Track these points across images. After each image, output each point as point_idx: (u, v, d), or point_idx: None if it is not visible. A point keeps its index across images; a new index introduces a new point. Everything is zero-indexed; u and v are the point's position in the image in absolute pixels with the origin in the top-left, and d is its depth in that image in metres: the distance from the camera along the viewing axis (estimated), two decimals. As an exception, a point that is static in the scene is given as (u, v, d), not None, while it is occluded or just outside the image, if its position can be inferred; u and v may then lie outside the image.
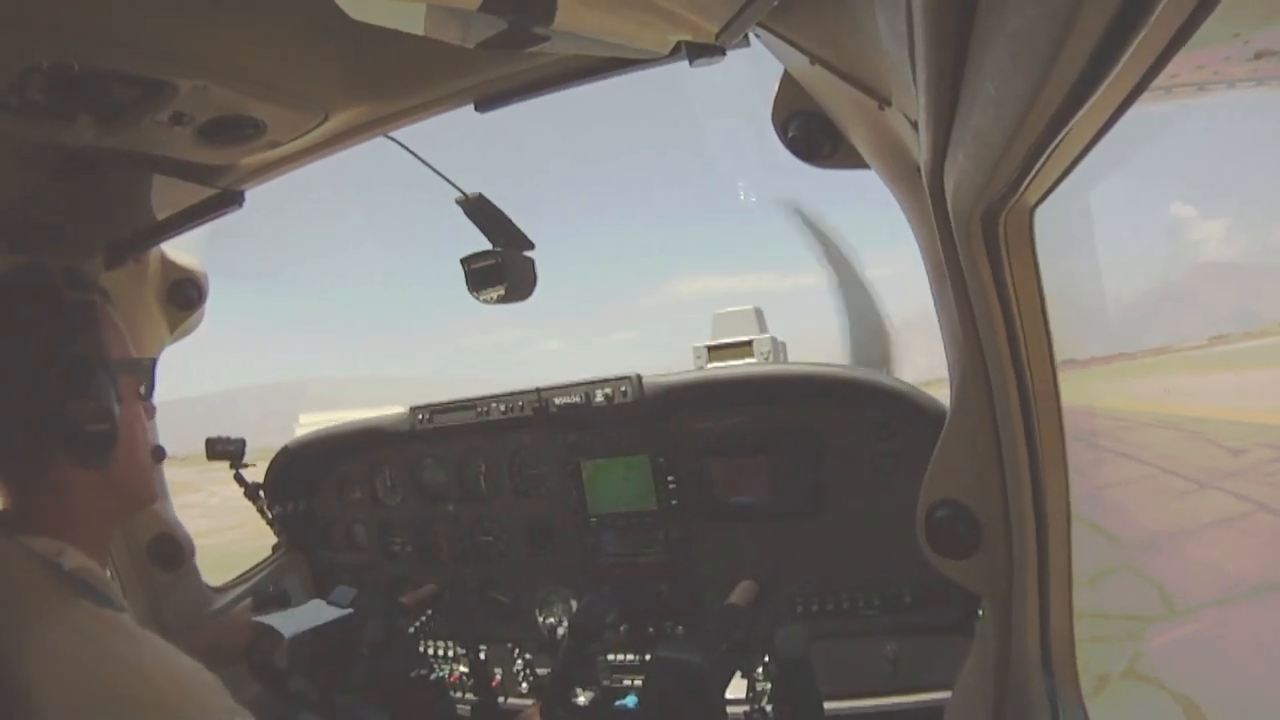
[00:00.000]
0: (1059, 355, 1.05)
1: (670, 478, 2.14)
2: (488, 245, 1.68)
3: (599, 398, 2.13)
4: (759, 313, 2.74)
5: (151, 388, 1.27)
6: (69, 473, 1.08)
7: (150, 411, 1.29)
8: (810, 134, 1.29)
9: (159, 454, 1.37)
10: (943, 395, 1.26)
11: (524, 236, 1.70)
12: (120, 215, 1.54)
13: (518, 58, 1.33)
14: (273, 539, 2.52)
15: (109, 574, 1.19)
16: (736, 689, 1.84)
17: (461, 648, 2.40)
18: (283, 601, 1.97)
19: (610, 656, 2.20)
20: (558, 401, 2.17)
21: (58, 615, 0.95)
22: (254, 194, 1.69)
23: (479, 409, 2.28)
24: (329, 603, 1.90)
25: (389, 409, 2.50)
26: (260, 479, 2.47)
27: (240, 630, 1.80)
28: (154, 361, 1.29)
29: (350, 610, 1.87)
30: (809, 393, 2.02)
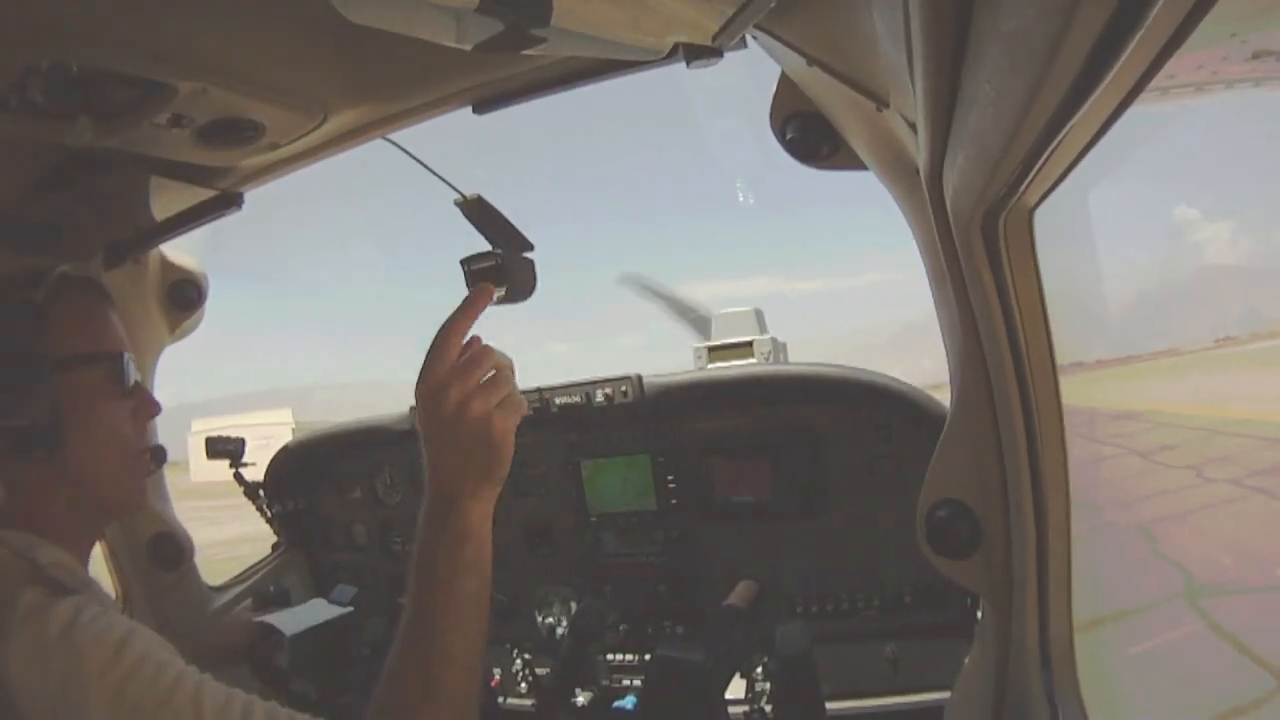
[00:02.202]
0: (1065, 358, 1.05)
1: (670, 477, 2.14)
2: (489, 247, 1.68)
3: (599, 397, 2.13)
4: (759, 313, 2.74)
5: (122, 382, 1.20)
6: (21, 469, 1.08)
7: (145, 411, 1.25)
8: (808, 135, 1.28)
9: (158, 456, 1.32)
10: (948, 399, 1.25)
11: (523, 238, 1.70)
12: (119, 216, 1.54)
13: (516, 59, 1.33)
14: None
15: (108, 576, 1.19)
16: (735, 690, 1.83)
17: None
18: (283, 601, 1.98)
19: (609, 656, 2.20)
20: (558, 401, 2.17)
21: (30, 608, 0.94)
22: (253, 195, 1.70)
23: None
24: (329, 601, 1.91)
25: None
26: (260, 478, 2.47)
27: (242, 630, 1.80)
28: (119, 355, 1.21)
29: (350, 608, 1.87)
30: (809, 393, 2.02)
